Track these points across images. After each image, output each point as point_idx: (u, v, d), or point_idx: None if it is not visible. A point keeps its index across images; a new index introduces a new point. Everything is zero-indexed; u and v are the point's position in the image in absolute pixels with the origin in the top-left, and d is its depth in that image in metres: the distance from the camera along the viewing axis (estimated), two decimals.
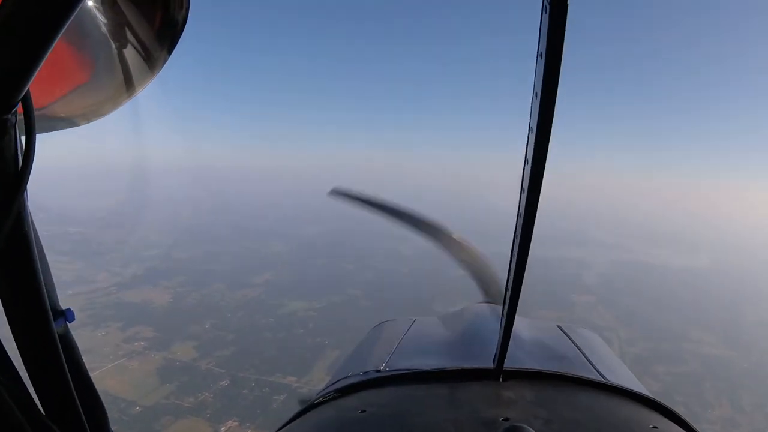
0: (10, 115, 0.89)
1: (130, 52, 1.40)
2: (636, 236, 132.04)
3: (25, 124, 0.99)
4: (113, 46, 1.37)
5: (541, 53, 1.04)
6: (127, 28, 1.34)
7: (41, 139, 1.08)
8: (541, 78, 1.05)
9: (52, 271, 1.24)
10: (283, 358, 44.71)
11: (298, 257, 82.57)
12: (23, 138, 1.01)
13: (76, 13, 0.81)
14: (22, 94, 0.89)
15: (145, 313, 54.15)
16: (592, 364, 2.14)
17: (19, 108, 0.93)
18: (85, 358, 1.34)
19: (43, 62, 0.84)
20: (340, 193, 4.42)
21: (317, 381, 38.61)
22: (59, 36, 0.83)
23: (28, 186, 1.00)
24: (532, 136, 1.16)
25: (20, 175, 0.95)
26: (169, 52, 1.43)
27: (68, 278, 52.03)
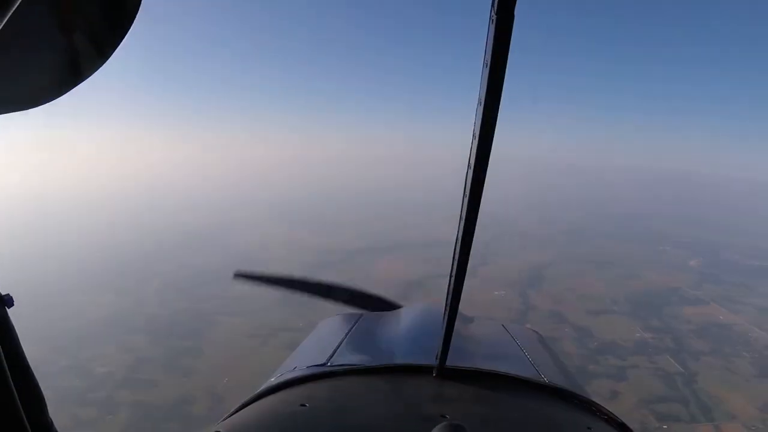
0: None
1: (78, 37, 1.27)
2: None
3: None
4: (58, 29, 1.22)
5: (486, 63, 1.03)
6: (73, 12, 1.20)
7: None
8: (486, 85, 1.04)
9: None
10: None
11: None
12: None
13: None
14: None
15: None
16: (533, 364, 2.16)
17: None
18: None
19: None
20: (243, 276, 4.18)
21: None
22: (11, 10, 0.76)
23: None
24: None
25: None
26: (121, 36, 1.32)
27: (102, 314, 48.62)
